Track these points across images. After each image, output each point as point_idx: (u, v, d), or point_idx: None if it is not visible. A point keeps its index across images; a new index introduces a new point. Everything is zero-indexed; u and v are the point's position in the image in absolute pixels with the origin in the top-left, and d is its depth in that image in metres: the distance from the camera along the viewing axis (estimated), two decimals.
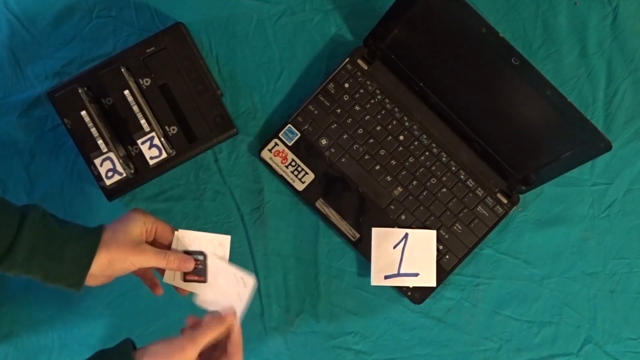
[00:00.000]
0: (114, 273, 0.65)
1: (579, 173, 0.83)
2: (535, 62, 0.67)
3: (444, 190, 0.81)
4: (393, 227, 0.80)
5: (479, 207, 0.81)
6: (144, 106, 0.74)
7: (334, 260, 0.81)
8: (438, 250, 0.80)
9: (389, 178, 0.81)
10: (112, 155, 0.72)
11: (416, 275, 0.79)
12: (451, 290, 0.82)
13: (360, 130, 0.81)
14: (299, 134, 0.80)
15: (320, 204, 0.80)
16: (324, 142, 0.81)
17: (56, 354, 0.80)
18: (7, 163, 0.80)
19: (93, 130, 0.71)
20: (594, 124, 0.66)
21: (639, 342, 0.82)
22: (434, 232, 0.80)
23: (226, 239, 0.70)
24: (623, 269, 0.83)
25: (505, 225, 0.82)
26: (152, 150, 0.73)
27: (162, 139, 0.74)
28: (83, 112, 0.71)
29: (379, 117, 0.81)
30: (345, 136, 0.81)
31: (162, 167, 0.76)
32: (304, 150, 0.80)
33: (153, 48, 0.76)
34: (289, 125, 0.80)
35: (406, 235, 0.80)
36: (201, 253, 0.69)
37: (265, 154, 0.80)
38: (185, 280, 0.69)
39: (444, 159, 0.81)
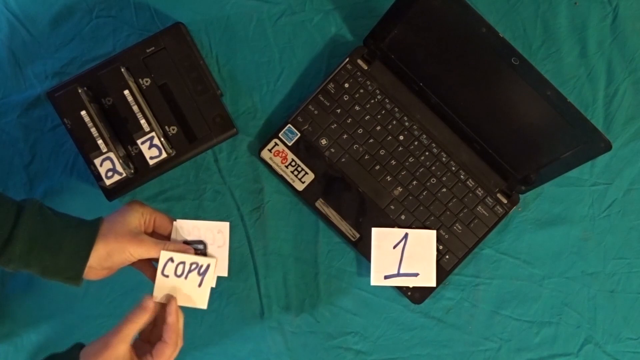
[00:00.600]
0: (114, 265, 0.64)
1: (579, 173, 0.83)
2: (535, 62, 0.67)
3: (444, 190, 0.81)
4: (393, 227, 0.80)
5: (479, 207, 0.81)
6: (144, 106, 0.74)
7: (334, 260, 0.81)
8: (438, 250, 0.80)
9: (389, 178, 0.81)
10: (112, 155, 0.72)
11: (416, 275, 0.79)
12: (451, 290, 0.82)
13: (360, 130, 0.81)
14: (299, 134, 0.80)
15: (320, 204, 0.80)
16: (324, 142, 0.81)
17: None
18: (7, 163, 0.80)
19: (93, 130, 0.71)
20: (594, 124, 0.66)
21: (639, 342, 0.82)
22: (434, 232, 0.80)
23: (225, 226, 0.70)
24: (623, 269, 0.83)
25: (505, 225, 0.82)
26: (152, 150, 0.73)
27: (162, 139, 0.74)
28: (83, 112, 0.71)
29: (379, 117, 0.81)
30: (345, 136, 0.81)
31: (162, 167, 0.76)
32: (304, 150, 0.80)
33: (153, 48, 0.76)
34: (289, 125, 0.80)
35: (406, 235, 0.80)
36: (201, 242, 0.70)
37: (265, 154, 0.80)
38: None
39: (444, 159, 0.81)
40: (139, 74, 0.76)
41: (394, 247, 0.79)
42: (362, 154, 0.81)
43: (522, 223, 0.83)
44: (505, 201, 0.81)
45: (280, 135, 0.80)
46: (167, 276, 0.67)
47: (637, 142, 0.83)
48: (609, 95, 0.83)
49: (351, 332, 0.81)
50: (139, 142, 0.72)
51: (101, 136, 0.71)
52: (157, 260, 0.68)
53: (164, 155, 0.73)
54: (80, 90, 0.72)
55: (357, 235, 0.80)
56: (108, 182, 0.72)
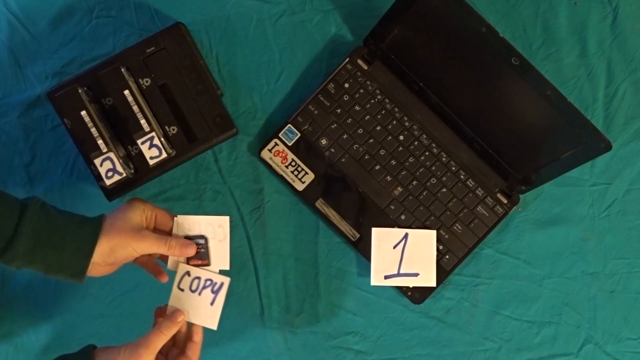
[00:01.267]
0: (117, 261, 0.65)
1: (579, 173, 0.83)
2: (535, 62, 0.67)
3: (444, 190, 0.81)
4: (393, 227, 0.80)
5: (479, 207, 0.81)
6: (144, 106, 0.74)
7: (334, 260, 0.81)
8: (438, 250, 0.80)
9: (389, 178, 0.81)
10: (112, 155, 0.72)
11: (416, 275, 0.79)
12: (451, 290, 0.82)
13: (360, 130, 0.81)
14: (299, 134, 0.80)
15: (320, 204, 0.80)
16: (324, 142, 0.81)
17: (56, 354, 0.80)
18: (7, 163, 0.80)
19: (93, 130, 0.71)
20: (594, 124, 0.66)
21: (639, 342, 0.82)
22: (434, 232, 0.80)
23: (225, 220, 0.70)
24: (623, 269, 0.83)
25: (505, 225, 0.82)
26: (152, 150, 0.73)
27: (162, 139, 0.74)
28: (83, 112, 0.71)
29: (379, 117, 0.81)
30: (345, 136, 0.81)
31: (162, 167, 0.76)
32: (304, 150, 0.80)
33: (153, 48, 0.76)
34: (289, 125, 0.80)
35: (406, 235, 0.80)
36: (202, 236, 0.70)
37: (265, 154, 0.80)
38: (188, 264, 0.70)
39: (444, 159, 0.81)
40: (139, 74, 0.76)
41: (394, 247, 0.79)
42: (362, 154, 0.81)
43: (522, 223, 0.83)
44: (505, 201, 0.81)
45: (280, 135, 0.80)
46: (182, 290, 0.69)
47: (637, 142, 0.83)
48: (609, 95, 0.83)
49: (351, 332, 0.81)
50: (139, 142, 0.72)
51: (101, 136, 0.71)
52: (158, 255, 0.69)
53: (164, 155, 0.73)
54: (80, 90, 0.72)
55: (357, 235, 0.80)
56: (108, 182, 0.72)
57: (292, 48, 0.82)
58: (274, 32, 0.82)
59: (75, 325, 0.80)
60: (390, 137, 0.81)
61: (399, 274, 0.79)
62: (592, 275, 0.82)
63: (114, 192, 0.76)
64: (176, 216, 0.70)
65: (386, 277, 0.79)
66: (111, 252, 0.63)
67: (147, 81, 0.76)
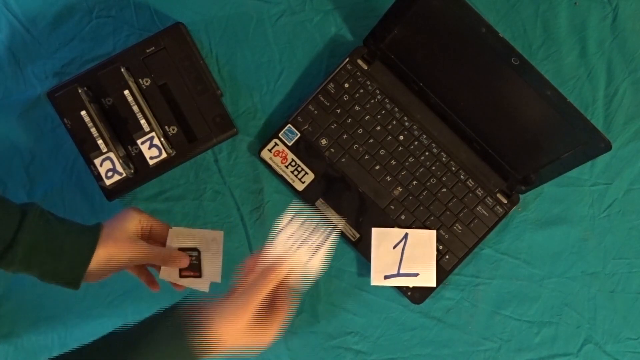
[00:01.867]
0: (111, 270, 0.65)
1: (579, 173, 0.83)
2: (535, 62, 0.67)
3: (444, 190, 0.81)
4: (393, 227, 0.80)
5: (479, 207, 0.81)
6: (144, 106, 0.74)
7: (334, 260, 0.81)
8: (438, 250, 0.80)
9: (389, 178, 0.81)
10: (112, 155, 0.72)
11: (416, 275, 0.79)
12: (451, 290, 0.82)
13: (360, 130, 0.81)
14: (299, 134, 0.80)
15: (320, 204, 0.80)
16: (324, 142, 0.81)
17: (56, 354, 0.80)
18: (7, 163, 0.80)
19: (93, 130, 0.71)
20: (594, 124, 0.66)
21: (639, 342, 0.82)
22: (434, 232, 0.80)
23: (219, 235, 0.72)
24: (623, 269, 0.83)
25: (505, 225, 0.82)
26: (152, 150, 0.73)
27: (162, 139, 0.74)
28: (83, 112, 0.71)
29: (379, 117, 0.81)
30: (345, 136, 0.81)
31: (162, 167, 0.76)
32: (304, 150, 0.80)
33: (153, 48, 0.76)
34: (289, 125, 0.80)
35: (406, 235, 0.80)
36: (195, 249, 0.71)
37: (265, 154, 0.80)
38: (181, 276, 0.71)
39: (444, 159, 0.81)
40: (139, 74, 0.76)
41: (394, 247, 0.79)
42: (362, 154, 0.81)
43: (522, 223, 0.83)
44: (505, 201, 0.81)
45: (280, 135, 0.80)
46: (283, 239, 0.67)
47: (637, 142, 0.83)
48: (609, 95, 0.83)
49: (351, 332, 0.81)
50: (139, 142, 0.72)
51: (101, 136, 0.71)
52: (153, 265, 0.70)
53: (164, 155, 0.73)
54: (80, 90, 0.72)
55: (357, 235, 0.80)
56: (108, 182, 0.72)
57: (292, 48, 0.82)
58: (274, 32, 0.82)
59: (75, 325, 0.80)
60: (390, 137, 0.81)
61: (398, 274, 0.79)
62: (592, 275, 0.82)
63: (114, 192, 0.76)
64: (171, 228, 0.71)
65: (386, 277, 0.79)
66: (107, 261, 0.64)
67: (147, 81, 0.76)
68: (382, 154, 0.81)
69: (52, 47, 0.81)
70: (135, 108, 0.72)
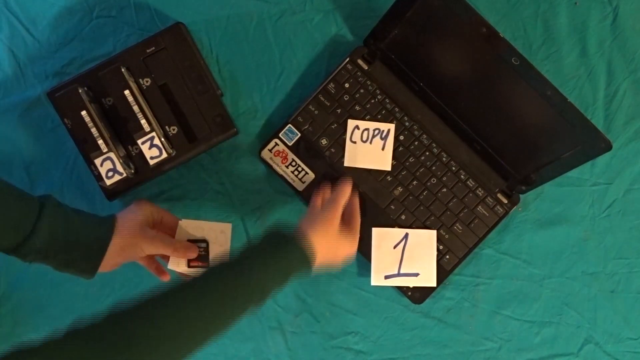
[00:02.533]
0: (124, 259, 0.68)
1: (579, 173, 0.83)
2: (535, 62, 0.67)
3: (444, 190, 0.81)
4: (393, 227, 0.80)
5: (479, 207, 0.81)
6: (144, 106, 0.74)
7: None
8: (438, 250, 0.80)
9: (389, 178, 0.81)
10: (112, 155, 0.72)
11: (416, 275, 0.79)
12: (451, 290, 0.82)
13: None
14: (299, 134, 0.80)
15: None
16: (324, 142, 0.81)
17: None
18: (7, 163, 0.80)
19: (93, 130, 0.71)
20: (594, 124, 0.66)
21: (639, 342, 0.82)
22: (434, 232, 0.80)
23: (227, 227, 0.76)
24: (623, 269, 0.83)
25: (506, 225, 0.82)
26: (152, 150, 0.73)
27: (162, 139, 0.74)
28: (83, 112, 0.71)
29: (379, 117, 0.81)
30: (345, 136, 0.81)
31: (162, 167, 0.76)
32: (304, 150, 0.80)
33: (153, 48, 0.76)
34: (289, 125, 0.80)
35: (406, 235, 0.80)
36: (204, 240, 0.74)
37: (265, 154, 0.80)
38: (189, 266, 0.73)
39: (444, 158, 0.81)
40: (139, 74, 0.76)
41: (394, 247, 0.79)
42: None
43: (522, 223, 0.83)
44: (505, 201, 0.81)
45: (280, 135, 0.80)
46: (354, 142, 0.75)
47: (637, 142, 0.83)
48: (609, 95, 0.83)
49: (351, 332, 0.81)
50: (139, 142, 0.72)
51: (101, 136, 0.71)
52: (162, 256, 0.73)
53: (164, 155, 0.73)
54: (80, 90, 0.72)
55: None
56: (108, 182, 0.72)
57: (292, 48, 0.82)
58: (274, 32, 0.82)
59: None
60: None
61: (399, 274, 0.79)
62: (592, 275, 0.82)
63: (114, 192, 0.76)
64: (181, 219, 0.74)
65: (386, 277, 0.79)
66: (121, 251, 0.66)
67: (147, 81, 0.76)
68: None
69: (52, 47, 0.81)
70: (135, 108, 0.72)
